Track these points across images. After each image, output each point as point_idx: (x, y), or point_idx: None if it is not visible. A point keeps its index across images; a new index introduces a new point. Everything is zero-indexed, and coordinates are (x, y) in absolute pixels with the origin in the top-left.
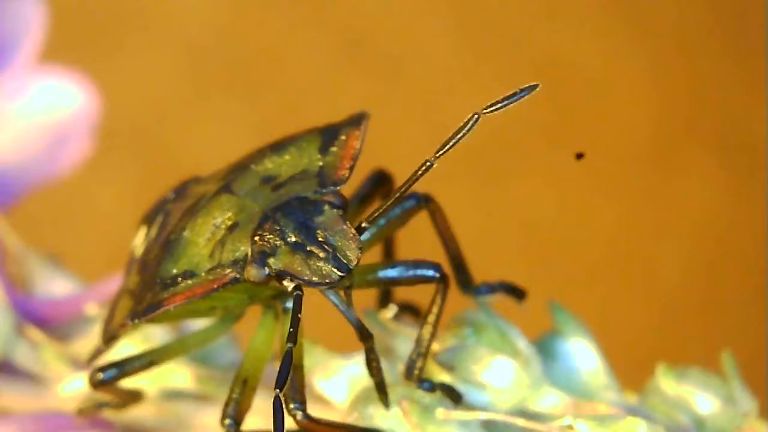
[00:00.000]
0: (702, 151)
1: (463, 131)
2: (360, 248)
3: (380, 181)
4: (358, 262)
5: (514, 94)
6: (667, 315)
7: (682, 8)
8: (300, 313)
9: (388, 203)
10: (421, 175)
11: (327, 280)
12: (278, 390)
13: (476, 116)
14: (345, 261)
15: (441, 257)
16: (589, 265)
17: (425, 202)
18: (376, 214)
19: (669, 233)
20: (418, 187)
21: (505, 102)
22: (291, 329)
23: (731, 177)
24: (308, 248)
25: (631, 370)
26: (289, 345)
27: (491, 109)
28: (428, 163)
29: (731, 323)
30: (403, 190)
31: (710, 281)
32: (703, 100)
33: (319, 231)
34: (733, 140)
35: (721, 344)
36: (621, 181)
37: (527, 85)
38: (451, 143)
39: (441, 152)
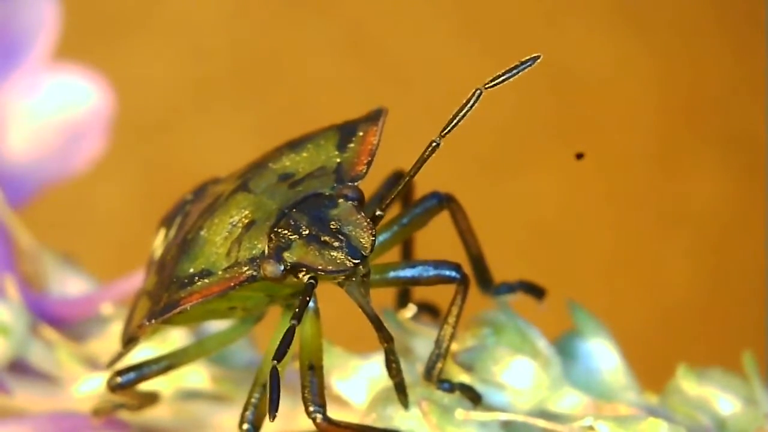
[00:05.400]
0: (706, 150)
1: (467, 108)
2: (374, 235)
3: (400, 182)
4: (372, 249)
5: (515, 66)
6: (672, 314)
7: (686, 8)
8: (308, 296)
9: (399, 188)
10: (429, 156)
11: (341, 269)
12: (275, 362)
13: (479, 91)
14: (358, 248)
15: (449, 255)
16: (594, 263)
17: (447, 201)
18: (388, 201)
19: (674, 232)
20: (427, 187)
21: (507, 75)
22: (297, 310)
23: (736, 176)
24: (322, 239)
25: (636, 370)
26: (293, 322)
27: (493, 83)
28: (434, 143)
29: (738, 323)
30: (412, 173)
31: (715, 281)
32: (708, 101)
33: (332, 222)
34: (738, 140)
35: (728, 344)
36: (626, 180)
37: (528, 57)
38: (455, 121)
39: (446, 131)
